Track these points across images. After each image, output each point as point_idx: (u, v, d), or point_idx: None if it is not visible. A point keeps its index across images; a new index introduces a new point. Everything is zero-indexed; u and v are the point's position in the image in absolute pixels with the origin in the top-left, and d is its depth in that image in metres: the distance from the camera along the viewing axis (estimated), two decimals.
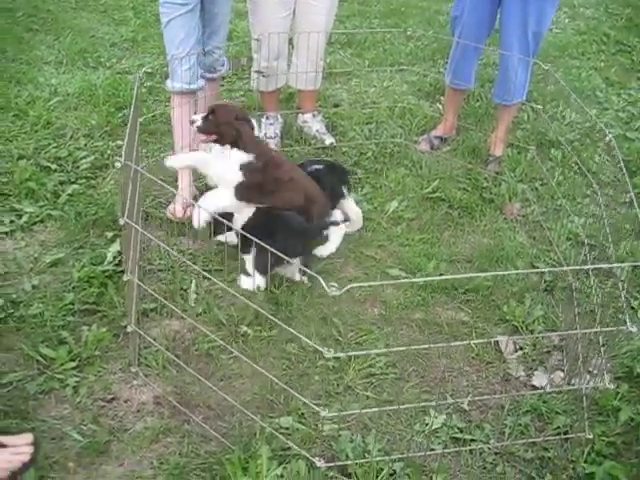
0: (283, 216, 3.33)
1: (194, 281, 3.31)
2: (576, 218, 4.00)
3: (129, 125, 2.71)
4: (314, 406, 2.50)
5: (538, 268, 3.64)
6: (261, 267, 3.17)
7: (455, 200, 4.16)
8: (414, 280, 3.41)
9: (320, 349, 1.96)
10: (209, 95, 4.04)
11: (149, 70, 5.33)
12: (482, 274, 3.18)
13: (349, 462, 2.50)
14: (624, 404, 2.84)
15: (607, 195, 4.34)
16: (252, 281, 3.21)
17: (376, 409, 2.74)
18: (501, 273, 3.57)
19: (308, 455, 2.46)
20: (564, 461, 2.65)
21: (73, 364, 2.82)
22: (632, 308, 3.43)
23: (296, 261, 3.13)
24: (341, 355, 1.91)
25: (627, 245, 3.83)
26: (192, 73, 3.72)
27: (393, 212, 4.04)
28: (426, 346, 2.81)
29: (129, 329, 2.75)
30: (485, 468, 2.64)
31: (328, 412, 2.50)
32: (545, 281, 3.54)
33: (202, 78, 3.84)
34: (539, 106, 4.54)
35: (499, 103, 4.56)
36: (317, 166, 3.78)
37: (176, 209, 3.78)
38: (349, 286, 1.89)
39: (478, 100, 5.37)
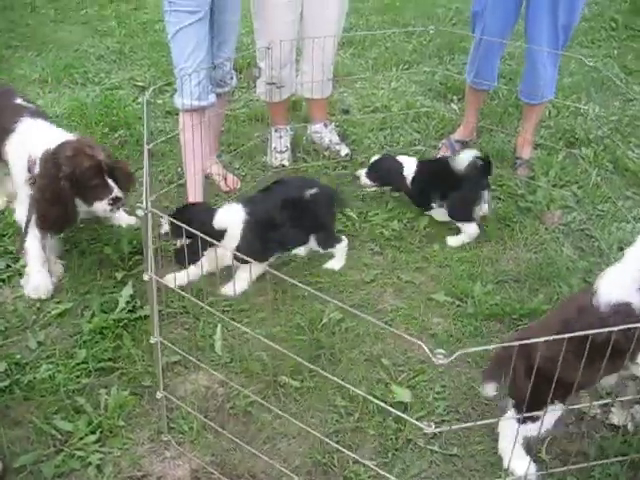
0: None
1: (219, 326, 2.95)
2: (624, 224, 3.68)
3: (145, 168, 2.33)
4: (376, 468, 2.16)
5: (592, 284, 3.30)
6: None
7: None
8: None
9: (420, 425, 1.62)
10: (218, 112, 3.68)
11: (143, 85, 4.97)
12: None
13: None
14: None
15: None
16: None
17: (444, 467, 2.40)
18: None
19: None
20: None
21: (94, 437, 2.45)
22: None
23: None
24: (442, 430, 1.58)
25: None
26: (202, 88, 3.35)
27: (425, 229, 3.69)
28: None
29: (158, 395, 2.38)
30: None
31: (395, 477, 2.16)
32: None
33: (213, 93, 3.47)
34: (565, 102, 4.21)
35: (527, 102, 4.21)
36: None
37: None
38: (459, 352, 1.55)
39: (494, 98, 5.03)
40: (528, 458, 2.41)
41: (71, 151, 2.92)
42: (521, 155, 4.27)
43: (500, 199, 3.94)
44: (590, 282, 3.26)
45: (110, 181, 3.00)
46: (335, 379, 2.11)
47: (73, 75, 5.16)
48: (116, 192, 3.01)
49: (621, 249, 3.52)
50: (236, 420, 2.60)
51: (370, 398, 2.03)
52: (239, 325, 2.47)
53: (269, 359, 2.80)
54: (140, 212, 2.02)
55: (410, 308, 3.18)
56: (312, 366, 2.21)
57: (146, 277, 2.10)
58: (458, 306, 3.18)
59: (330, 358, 2.86)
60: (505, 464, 2.39)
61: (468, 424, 2.40)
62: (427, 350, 1.56)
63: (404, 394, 2.71)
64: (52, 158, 2.91)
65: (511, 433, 2.22)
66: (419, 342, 1.60)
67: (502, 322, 3.11)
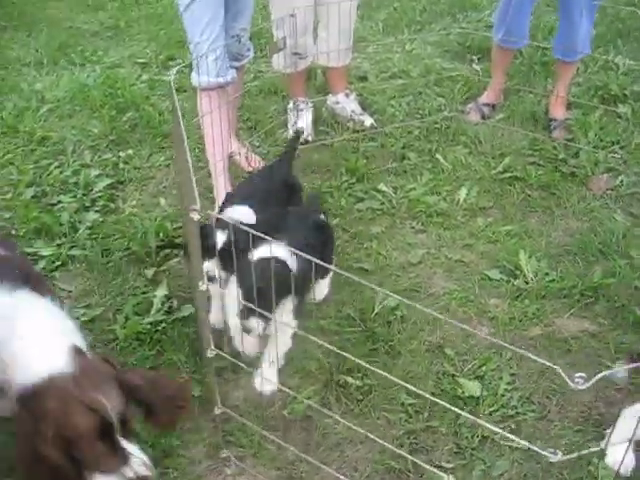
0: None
1: None
2: None
3: (189, 170, 2.06)
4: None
5: None
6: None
7: (532, 178, 3.58)
8: None
9: (545, 454, 1.40)
10: (236, 87, 3.41)
11: (145, 62, 4.67)
12: None
13: None
14: None
15: None
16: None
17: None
18: None
19: None
20: None
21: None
22: None
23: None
24: (570, 457, 1.39)
25: None
26: (221, 63, 3.08)
27: (466, 201, 3.46)
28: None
29: (217, 411, 2.15)
30: None
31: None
32: None
33: (232, 68, 3.19)
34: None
35: (562, 60, 3.96)
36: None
37: None
38: (600, 375, 1.33)
39: (517, 57, 4.75)
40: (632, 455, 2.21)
41: (58, 401, 1.72)
42: (555, 116, 4.03)
43: (540, 165, 3.70)
44: None
45: (124, 445, 1.79)
46: (397, 380, 1.89)
47: (69, 55, 4.85)
48: (133, 466, 1.80)
49: None
50: (297, 427, 2.39)
51: (438, 400, 1.81)
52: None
53: (324, 357, 2.59)
54: (194, 215, 1.75)
55: (464, 290, 2.96)
56: (371, 367, 1.96)
57: (202, 287, 1.85)
58: (514, 284, 2.96)
59: (389, 351, 2.64)
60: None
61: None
62: (564, 376, 1.34)
63: (473, 387, 2.51)
64: (29, 406, 1.75)
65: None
66: (555, 367, 1.37)
67: (563, 300, 2.90)
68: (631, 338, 2.71)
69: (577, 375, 1.33)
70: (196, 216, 1.68)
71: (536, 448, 1.46)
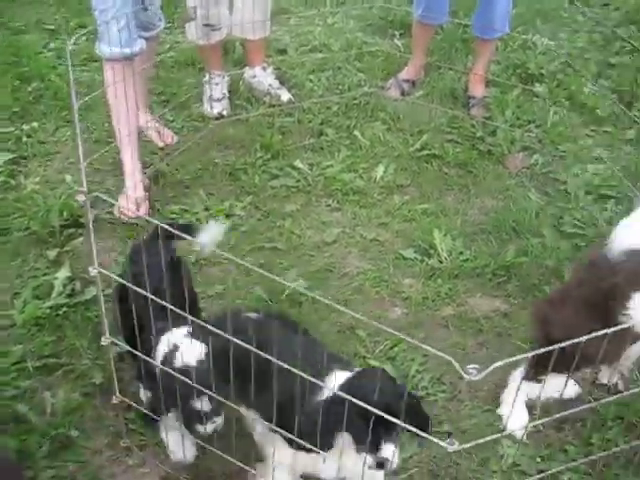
0: None
1: None
2: (588, 165, 3.52)
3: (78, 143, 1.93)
4: None
5: (564, 232, 3.14)
6: None
7: (449, 156, 3.57)
8: None
9: (443, 444, 1.37)
10: (146, 58, 3.26)
11: (53, 29, 4.43)
12: None
13: None
14: None
15: (608, 133, 3.86)
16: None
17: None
18: None
19: None
20: None
21: (43, 452, 2.11)
22: None
23: None
24: (464, 447, 1.36)
25: None
26: (129, 33, 2.93)
27: (383, 179, 3.43)
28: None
29: (114, 400, 2.06)
30: None
31: None
32: (580, 247, 3.04)
33: (140, 38, 3.04)
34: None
35: (480, 37, 3.94)
36: None
37: (129, 207, 3.03)
38: (492, 367, 1.30)
39: (439, 33, 4.72)
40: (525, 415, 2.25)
41: None
42: (474, 94, 4.02)
43: (458, 143, 3.70)
44: (562, 230, 3.15)
45: None
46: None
47: None
48: None
49: (588, 193, 3.37)
50: None
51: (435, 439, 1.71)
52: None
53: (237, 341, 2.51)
54: (80, 197, 1.64)
55: (378, 269, 2.93)
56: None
57: (92, 272, 1.74)
58: (428, 264, 2.95)
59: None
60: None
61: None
62: (458, 368, 1.31)
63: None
64: None
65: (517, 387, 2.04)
66: (449, 358, 1.33)
67: (476, 279, 2.90)
68: None
69: (470, 367, 1.30)
70: (82, 198, 1.58)
71: (434, 439, 1.43)
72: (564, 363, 1.67)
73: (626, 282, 2.10)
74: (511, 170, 3.54)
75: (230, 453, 1.98)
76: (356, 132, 3.72)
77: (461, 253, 2.99)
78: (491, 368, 1.30)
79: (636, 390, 1.92)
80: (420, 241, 3.04)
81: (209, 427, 1.94)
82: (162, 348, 2.01)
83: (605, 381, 2.52)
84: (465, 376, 1.31)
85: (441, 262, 2.94)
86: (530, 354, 1.57)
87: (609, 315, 2.05)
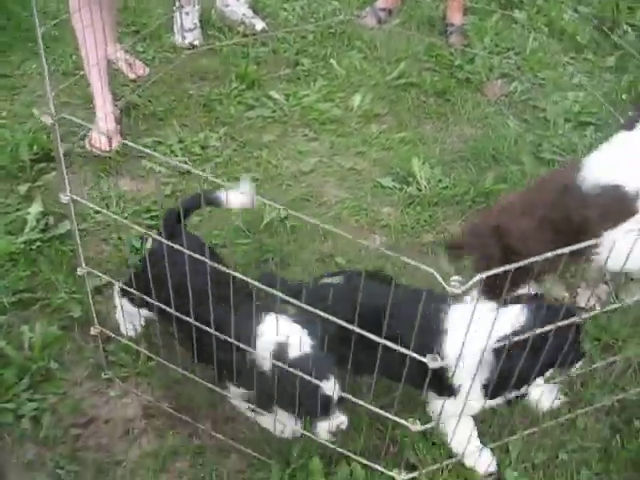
0: None
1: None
2: (567, 93, 3.48)
3: (42, 63, 1.86)
4: None
5: (543, 159, 3.12)
6: None
7: (427, 85, 3.51)
8: None
9: (405, 424, 1.37)
10: None
11: None
12: None
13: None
14: None
15: (588, 60, 3.81)
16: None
17: None
18: None
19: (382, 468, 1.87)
20: None
21: (24, 384, 2.09)
22: None
23: None
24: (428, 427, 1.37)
25: None
26: None
27: (360, 108, 3.37)
28: None
29: (93, 332, 2.04)
30: (563, 426, 2.19)
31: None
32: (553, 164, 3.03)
33: None
34: None
35: None
36: None
37: (100, 140, 2.95)
38: (475, 278, 1.29)
39: None
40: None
41: None
42: (453, 21, 3.93)
43: (435, 71, 3.63)
44: (541, 157, 3.14)
45: None
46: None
47: None
48: None
49: (568, 120, 3.34)
50: None
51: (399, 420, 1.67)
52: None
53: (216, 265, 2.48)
54: (47, 119, 1.58)
55: (356, 198, 2.91)
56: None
57: (64, 199, 1.70)
58: (406, 192, 2.93)
59: (279, 262, 2.57)
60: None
61: None
62: (440, 279, 1.30)
63: None
64: None
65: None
66: (431, 270, 1.32)
67: (455, 207, 2.89)
68: None
69: (453, 279, 1.29)
70: (48, 120, 1.52)
71: (396, 418, 1.42)
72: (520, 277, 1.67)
73: (599, 219, 2.09)
74: (490, 98, 3.50)
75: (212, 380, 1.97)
76: (332, 61, 3.64)
77: (440, 181, 2.97)
78: (474, 280, 1.28)
79: (612, 307, 1.92)
80: (398, 169, 3.01)
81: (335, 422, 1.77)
82: (267, 339, 1.77)
83: (583, 304, 2.54)
84: (448, 288, 1.29)
85: (420, 190, 2.91)
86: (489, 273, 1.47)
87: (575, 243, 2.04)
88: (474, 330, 1.45)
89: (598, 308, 2.56)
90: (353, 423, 1.87)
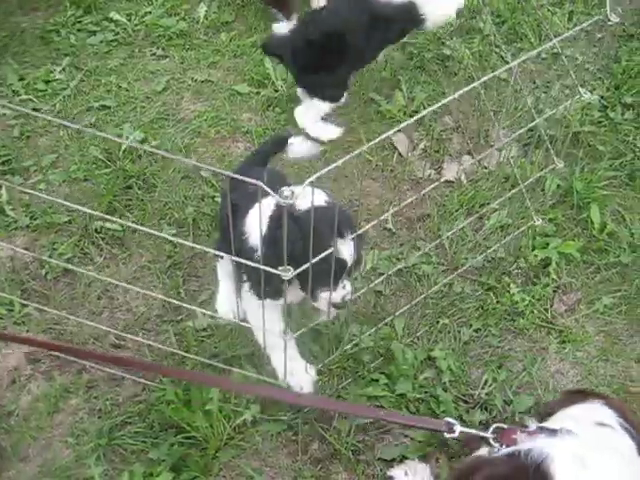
0: None
1: (2, 187, 2.45)
2: None
3: None
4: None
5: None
6: None
7: None
8: None
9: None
10: None
11: None
12: None
13: None
14: (549, 175, 2.53)
15: None
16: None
17: None
18: None
19: None
20: (513, 257, 2.38)
21: None
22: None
23: None
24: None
25: None
26: None
27: (206, 18, 3.24)
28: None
29: None
30: (441, 292, 2.31)
31: None
32: (413, 56, 3.05)
33: None
34: None
35: None
36: None
37: None
38: (307, 181, 1.29)
39: None
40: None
41: None
42: None
43: None
44: None
45: None
46: (146, 230, 1.83)
47: None
48: None
49: None
50: (59, 284, 2.26)
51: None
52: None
53: (75, 210, 2.41)
54: None
55: (214, 109, 2.86)
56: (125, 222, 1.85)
57: None
58: (264, 95, 2.90)
59: (143, 186, 2.52)
60: None
61: None
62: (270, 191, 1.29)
63: None
64: None
65: None
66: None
67: None
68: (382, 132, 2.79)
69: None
70: None
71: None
72: None
73: None
74: None
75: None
76: None
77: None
78: (306, 183, 1.31)
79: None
80: (253, 74, 2.97)
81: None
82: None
83: (450, 177, 2.62)
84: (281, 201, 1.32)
85: (277, 91, 2.89)
86: None
87: None
88: None
89: (463, 178, 2.67)
90: None
